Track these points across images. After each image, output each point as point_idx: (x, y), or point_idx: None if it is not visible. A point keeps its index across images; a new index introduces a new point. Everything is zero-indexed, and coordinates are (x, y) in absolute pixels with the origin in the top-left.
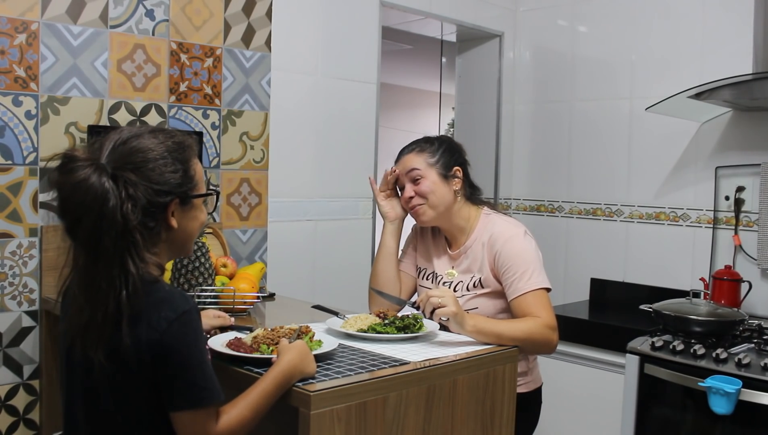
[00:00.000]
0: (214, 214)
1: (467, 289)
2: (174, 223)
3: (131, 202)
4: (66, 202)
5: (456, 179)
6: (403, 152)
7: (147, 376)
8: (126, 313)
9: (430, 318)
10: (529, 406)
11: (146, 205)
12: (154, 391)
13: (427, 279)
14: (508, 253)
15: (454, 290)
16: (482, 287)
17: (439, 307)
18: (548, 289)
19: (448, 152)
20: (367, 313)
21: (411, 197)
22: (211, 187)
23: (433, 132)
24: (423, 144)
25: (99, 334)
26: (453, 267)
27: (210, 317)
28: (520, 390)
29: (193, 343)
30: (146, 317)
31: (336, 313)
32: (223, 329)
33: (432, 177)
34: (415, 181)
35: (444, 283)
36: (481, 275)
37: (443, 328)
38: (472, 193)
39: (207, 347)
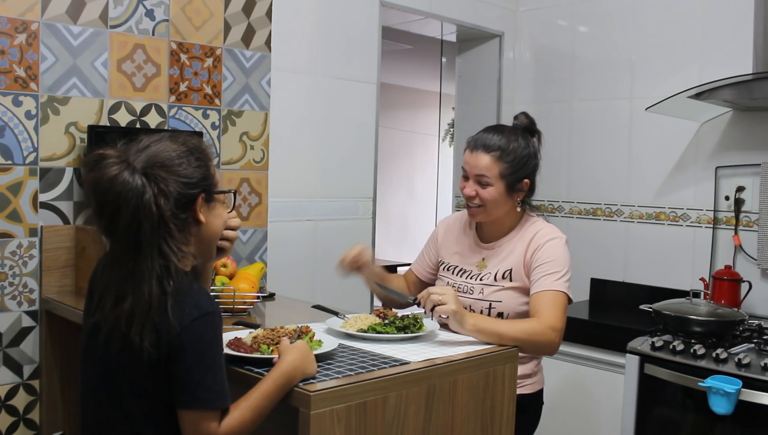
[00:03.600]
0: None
1: (495, 279)
2: (202, 217)
3: (163, 195)
4: (105, 195)
5: (521, 192)
6: (480, 146)
7: (162, 367)
8: (171, 299)
9: (431, 315)
10: (531, 407)
11: (177, 198)
12: (167, 383)
13: (448, 271)
14: (547, 250)
15: (480, 280)
16: (510, 280)
17: (439, 305)
18: (570, 301)
19: (524, 163)
20: (367, 313)
21: (471, 196)
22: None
23: (433, 132)
24: (504, 150)
25: (145, 321)
26: (484, 258)
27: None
28: (524, 391)
29: (210, 344)
30: (171, 308)
31: (336, 313)
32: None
33: (499, 188)
34: (481, 184)
35: (472, 275)
36: (512, 267)
37: (443, 327)
38: (528, 200)
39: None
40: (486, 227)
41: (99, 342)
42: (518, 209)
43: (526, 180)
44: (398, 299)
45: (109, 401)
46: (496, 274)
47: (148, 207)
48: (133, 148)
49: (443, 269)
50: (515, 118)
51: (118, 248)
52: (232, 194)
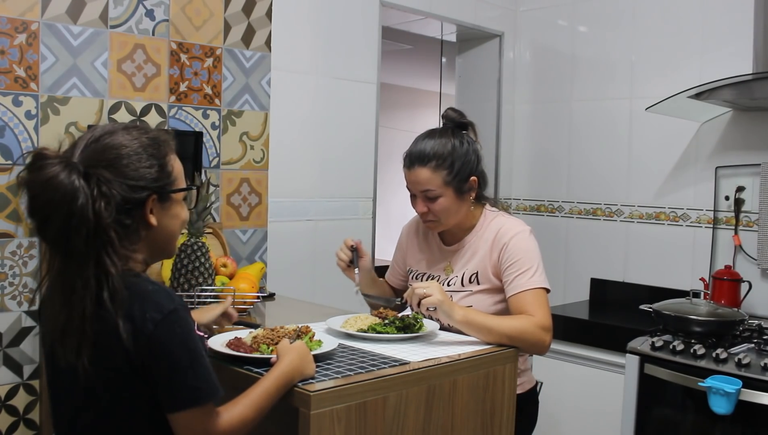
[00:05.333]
0: (214, 213)
1: (462, 284)
2: (153, 220)
3: (104, 199)
4: (34, 201)
5: (472, 190)
6: (415, 162)
7: (139, 375)
8: (120, 314)
9: (419, 310)
10: (526, 407)
11: (121, 202)
12: (150, 389)
13: (416, 279)
14: (515, 248)
15: (449, 285)
16: (478, 283)
17: (424, 298)
18: (548, 290)
19: (463, 162)
20: (367, 313)
21: (424, 213)
22: (189, 184)
23: None
24: (440, 157)
25: (79, 337)
26: (450, 262)
27: (211, 310)
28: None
29: (181, 343)
30: (130, 315)
31: (354, 265)
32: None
33: (449, 195)
34: (429, 199)
35: (440, 281)
36: (478, 270)
37: (443, 328)
38: (481, 193)
39: (205, 343)
40: (447, 230)
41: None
42: (472, 208)
43: (472, 178)
44: (385, 305)
45: (82, 408)
46: (462, 278)
47: (80, 214)
48: (83, 140)
49: (412, 278)
50: (443, 116)
51: (54, 256)
52: (195, 190)
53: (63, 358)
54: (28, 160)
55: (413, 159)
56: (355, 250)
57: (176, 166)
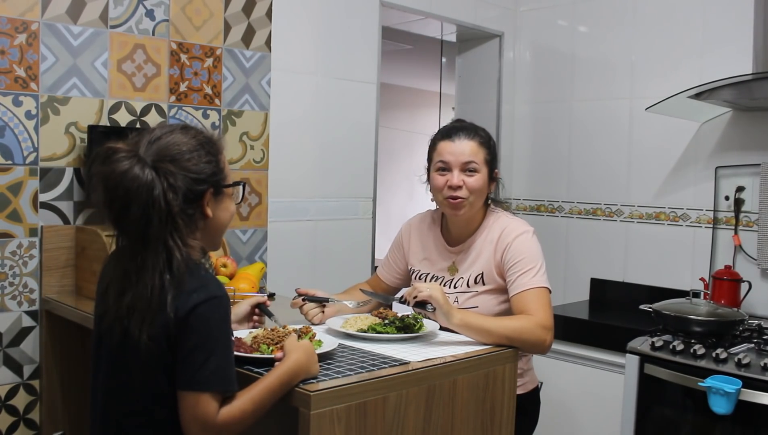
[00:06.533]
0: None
1: (468, 286)
2: (209, 211)
3: (172, 190)
4: (114, 191)
5: (494, 182)
6: (461, 134)
7: (171, 350)
8: (171, 292)
9: (413, 307)
10: (528, 407)
11: (186, 193)
12: (171, 367)
13: (419, 279)
14: (518, 248)
15: (454, 287)
16: (483, 284)
17: (422, 293)
18: (549, 291)
19: (495, 153)
20: (367, 314)
21: (458, 187)
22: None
23: (433, 132)
24: (483, 136)
25: (145, 314)
26: (454, 262)
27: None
28: (518, 391)
29: (215, 327)
30: (179, 293)
31: (326, 299)
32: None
33: (484, 175)
34: (468, 172)
35: (444, 281)
36: (483, 270)
37: (443, 328)
38: (494, 196)
39: (235, 342)
40: (453, 228)
41: (104, 331)
42: (486, 204)
43: (496, 170)
44: (383, 302)
45: (121, 386)
46: (468, 279)
47: (157, 202)
48: (145, 139)
49: (415, 278)
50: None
51: (126, 241)
52: (241, 187)
53: (122, 333)
54: (100, 155)
55: (458, 132)
56: (308, 297)
57: (226, 163)
